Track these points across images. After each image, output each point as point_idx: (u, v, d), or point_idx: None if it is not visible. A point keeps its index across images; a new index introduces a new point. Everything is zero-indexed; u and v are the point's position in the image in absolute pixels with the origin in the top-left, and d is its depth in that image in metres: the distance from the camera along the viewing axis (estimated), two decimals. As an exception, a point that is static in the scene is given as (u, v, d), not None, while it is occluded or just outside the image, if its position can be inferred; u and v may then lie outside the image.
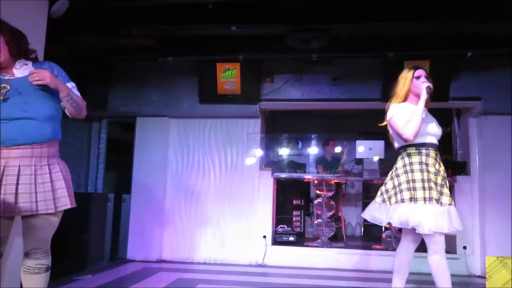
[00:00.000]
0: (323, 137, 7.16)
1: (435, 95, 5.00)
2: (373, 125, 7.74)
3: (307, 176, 5.91)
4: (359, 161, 5.51)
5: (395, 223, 2.66)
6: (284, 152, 7.89)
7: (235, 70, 5.09)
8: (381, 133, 7.02)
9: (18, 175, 2.05)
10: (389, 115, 2.83)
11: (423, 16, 4.08)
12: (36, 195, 2.06)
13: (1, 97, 2.07)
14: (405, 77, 2.85)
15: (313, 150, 8.16)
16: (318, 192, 5.62)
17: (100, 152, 5.87)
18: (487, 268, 3.67)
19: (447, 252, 5.12)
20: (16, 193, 2.03)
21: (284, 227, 5.58)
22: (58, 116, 2.25)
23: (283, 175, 5.70)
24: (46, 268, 2.16)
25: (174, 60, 5.03)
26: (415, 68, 2.85)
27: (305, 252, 5.24)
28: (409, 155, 2.74)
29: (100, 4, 3.82)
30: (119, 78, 5.48)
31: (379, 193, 2.84)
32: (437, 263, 2.59)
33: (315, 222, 5.63)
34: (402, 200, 2.63)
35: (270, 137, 6.79)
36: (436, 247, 2.59)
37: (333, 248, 5.31)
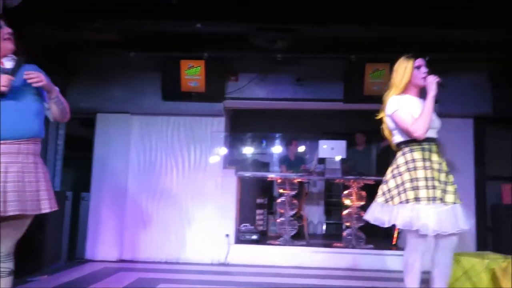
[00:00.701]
0: (287, 137, 7.24)
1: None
2: (335, 125, 7.90)
3: (271, 175, 5.95)
4: (322, 161, 5.60)
5: (399, 225, 2.55)
6: (248, 151, 7.92)
7: (199, 67, 5.04)
8: (342, 133, 7.17)
9: (6, 172, 1.95)
10: (391, 108, 2.65)
11: (385, 20, 4.19)
12: (25, 194, 1.99)
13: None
14: (404, 66, 2.68)
15: (277, 149, 8.24)
16: (281, 191, 5.67)
17: (58, 148, 5.64)
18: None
19: (403, 249, 5.32)
20: (5, 192, 1.94)
21: (247, 226, 5.60)
22: (42, 114, 2.21)
23: (247, 174, 5.71)
24: (10, 271, 2.08)
25: (137, 55, 4.94)
26: (414, 56, 2.68)
27: (268, 250, 5.26)
28: (411, 151, 2.59)
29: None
30: (80, 73, 5.30)
31: (380, 192, 2.71)
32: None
33: (278, 220, 5.68)
34: (407, 201, 2.51)
35: (234, 136, 6.80)
36: (449, 247, 2.58)
37: (295, 246, 5.37)
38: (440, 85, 2.58)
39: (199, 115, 5.45)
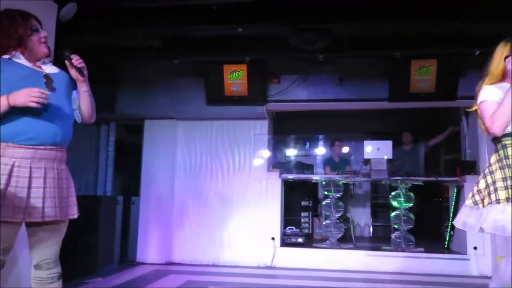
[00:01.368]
0: (330, 138, 7.15)
1: (440, 94, 4.92)
2: (380, 125, 7.71)
3: (315, 177, 5.89)
4: (367, 162, 5.48)
5: (489, 229, 2.22)
6: (292, 153, 7.89)
7: (242, 71, 5.10)
8: (388, 132, 6.98)
9: (45, 178, 1.94)
10: (479, 99, 2.34)
11: (429, 16, 4.04)
12: (59, 200, 1.98)
13: (49, 88, 1.97)
14: (501, 51, 2.36)
15: (320, 150, 8.16)
16: (326, 193, 5.60)
17: (109, 154, 5.89)
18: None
19: (458, 253, 5.11)
20: (44, 197, 1.92)
21: (292, 229, 5.57)
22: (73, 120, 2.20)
23: (291, 176, 5.69)
24: (59, 276, 2.08)
25: (181, 62, 5.05)
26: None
27: (314, 253, 5.21)
28: (504, 147, 2.27)
29: (106, 4, 3.82)
30: (127, 81, 5.51)
31: (470, 194, 2.38)
32: None
33: (324, 223, 5.61)
34: (498, 201, 2.17)
35: (277, 138, 6.79)
36: None
37: (341, 249, 5.29)
38: None
39: (242, 118, 5.50)
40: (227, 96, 5.22)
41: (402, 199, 5.30)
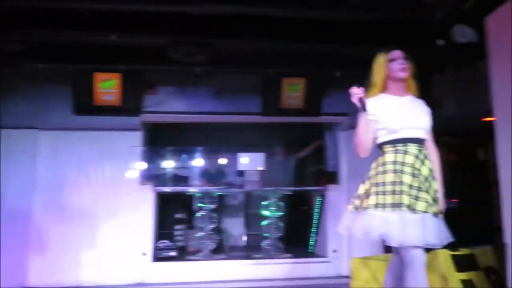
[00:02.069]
0: (207, 150, 7.22)
1: (308, 110, 5.28)
2: (255, 138, 8.01)
3: (191, 189, 5.88)
4: (241, 173, 5.66)
5: (357, 233, 2.30)
6: (168, 165, 7.74)
7: (115, 80, 4.87)
8: (262, 145, 7.30)
9: None
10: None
11: (301, 37, 4.34)
12: None
13: None
14: (379, 62, 2.44)
15: (197, 162, 8.16)
16: (200, 204, 5.63)
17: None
18: (352, 269, 4.02)
19: (320, 256, 5.56)
20: None
21: (165, 242, 5.45)
22: None
23: (166, 189, 5.59)
24: None
25: (46, 67, 4.64)
26: (389, 50, 2.44)
27: (187, 266, 5.18)
28: (383, 153, 2.35)
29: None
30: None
31: (352, 199, 2.45)
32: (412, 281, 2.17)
33: (197, 235, 5.61)
34: (367, 207, 2.28)
35: (153, 151, 6.62)
36: (412, 263, 2.17)
37: (215, 260, 5.34)
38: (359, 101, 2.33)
39: (115, 129, 5.23)
40: (98, 106, 4.94)
41: (273, 208, 5.60)
